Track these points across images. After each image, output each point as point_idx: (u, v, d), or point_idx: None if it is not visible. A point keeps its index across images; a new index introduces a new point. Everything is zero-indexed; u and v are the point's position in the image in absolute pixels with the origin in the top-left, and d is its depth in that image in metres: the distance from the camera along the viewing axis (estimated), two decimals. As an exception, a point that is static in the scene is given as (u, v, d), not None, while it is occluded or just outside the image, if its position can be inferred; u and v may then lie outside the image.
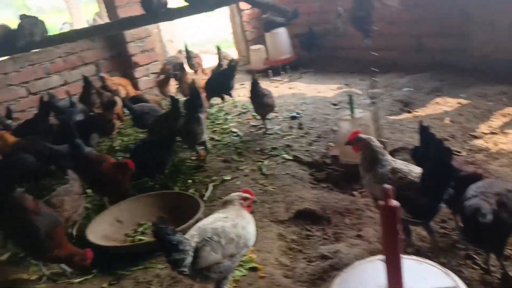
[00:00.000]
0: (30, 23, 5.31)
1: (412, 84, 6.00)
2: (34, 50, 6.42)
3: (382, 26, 6.98)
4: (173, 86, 7.05)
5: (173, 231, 2.40)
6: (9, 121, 5.71)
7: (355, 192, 3.84)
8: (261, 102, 5.15)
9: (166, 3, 5.16)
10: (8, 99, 6.56)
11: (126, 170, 3.91)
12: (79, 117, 5.75)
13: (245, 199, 2.81)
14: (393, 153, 4.38)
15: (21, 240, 3.11)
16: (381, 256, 1.69)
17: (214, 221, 2.64)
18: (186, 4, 5.08)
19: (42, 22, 5.48)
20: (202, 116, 4.60)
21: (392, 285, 1.38)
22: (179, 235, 2.42)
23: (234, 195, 2.83)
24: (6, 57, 6.41)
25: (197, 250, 2.47)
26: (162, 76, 7.07)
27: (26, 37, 5.25)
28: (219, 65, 7.21)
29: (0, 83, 6.48)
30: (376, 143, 3.12)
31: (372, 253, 3.05)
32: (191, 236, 2.54)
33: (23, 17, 5.37)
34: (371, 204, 3.47)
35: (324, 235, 3.37)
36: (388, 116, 5.18)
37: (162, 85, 6.83)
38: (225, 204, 2.81)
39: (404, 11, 6.71)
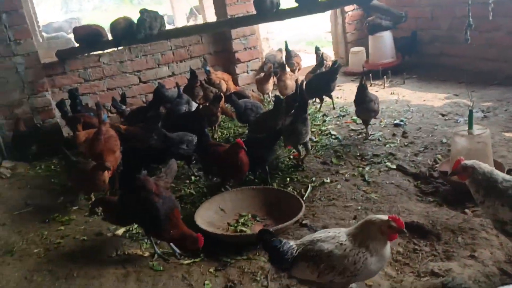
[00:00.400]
0: (150, 17, 5.72)
1: (532, 101, 5.54)
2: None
3: (499, 36, 6.55)
4: (271, 84, 7.18)
5: (279, 242, 2.60)
6: (123, 107, 6.20)
7: (467, 210, 3.64)
8: (367, 107, 5.05)
9: (278, 4, 5.26)
10: (122, 85, 7.12)
11: (239, 149, 4.08)
12: (184, 107, 6.10)
13: (390, 226, 2.41)
14: (510, 173, 4.09)
15: (142, 219, 3.36)
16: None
17: (327, 239, 2.55)
18: (296, 5, 5.15)
19: (161, 17, 5.88)
20: (308, 117, 4.64)
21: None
22: (283, 243, 2.60)
23: (378, 218, 2.48)
24: (123, 47, 6.95)
25: (295, 260, 2.56)
26: (262, 74, 7.23)
27: (146, 30, 5.68)
28: (319, 65, 7.21)
29: (117, 70, 7.04)
30: (483, 165, 2.87)
31: (488, 276, 2.89)
32: (299, 245, 2.63)
33: (143, 11, 5.80)
34: (487, 225, 3.28)
35: (433, 251, 3.24)
36: (503, 133, 4.82)
37: (262, 82, 6.98)
38: (365, 224, 2.52)
39: (527, 21, 6.23)
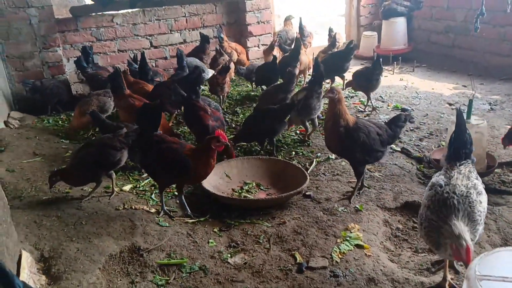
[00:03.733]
0: (167, -20, 5.70)
1: (540, 97, 5.60)
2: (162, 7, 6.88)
3: (510, 31, 6.57)
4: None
5: None
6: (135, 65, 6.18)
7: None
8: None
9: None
10: (133, 48, 7.10)
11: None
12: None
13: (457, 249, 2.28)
14: (502, 166, 4.18)
15: (169, 169, 3.40)
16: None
17: None
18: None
19: (178, -20, 5.84)
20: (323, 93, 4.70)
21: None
22: None
23: None
24: (137, 9, 6.91)
25: None
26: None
27: (163, -7, 5.66)
28: (331, 45, 7.20)
29: (129, 32, 7.02)
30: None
31: (482, 257, 3.00)
32: None
33: (161, -26, 5.77)
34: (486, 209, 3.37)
35: (431, 230, 3.35)
36: (508, 126, 4.89)
37: (266, 53, 7.02)
38: None
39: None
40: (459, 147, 2.66)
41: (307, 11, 13.98)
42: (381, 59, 5.40)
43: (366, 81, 5.45)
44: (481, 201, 2.47)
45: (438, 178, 2.62)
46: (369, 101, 5.61)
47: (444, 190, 2.47)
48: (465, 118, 3.94)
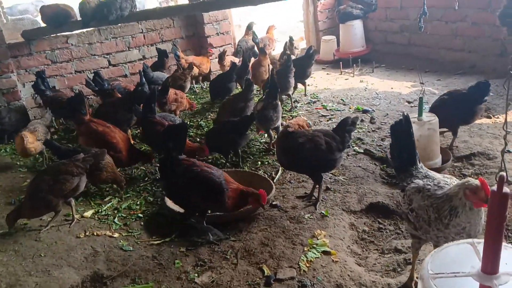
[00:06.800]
0: (120, -2, 5.62)
1: (494, 89, 5.75)
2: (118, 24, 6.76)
3: (464, 27, 6.78)
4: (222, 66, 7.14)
5: None
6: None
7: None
8: None
9: (251, -12, 5.23)
10: (91, 68, 6.94)
11: None
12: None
13: (473, 190, 2.17)
14: (470, 157, 4.28)
15: (201, 197, 3.30)
16: (468, 240, 1.74)
17: None
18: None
19: (131, -2, 5.77)
20: (279, 103, 4.70)
21: (488, 266, 1.46)
22: None
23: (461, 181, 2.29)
24: (92, 29, 6.78)
25: None
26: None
27: (117, 12, 5.57)
28: (284, 53, 7.22)
29: (85, 52, 6.88)
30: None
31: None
32: None
33: (114, -9, 5.67)
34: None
35: (396, 230, 3.38)
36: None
37: (220, 63, 7.03)
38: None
39: (490, 13, 6.45)
40: (413, 152, 2.75)
41: (268, 19, 14.09)
42: (291, 61, 5.85)
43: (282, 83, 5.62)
44: None
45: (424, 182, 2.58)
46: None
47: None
48: (417, 115, 4.07)
